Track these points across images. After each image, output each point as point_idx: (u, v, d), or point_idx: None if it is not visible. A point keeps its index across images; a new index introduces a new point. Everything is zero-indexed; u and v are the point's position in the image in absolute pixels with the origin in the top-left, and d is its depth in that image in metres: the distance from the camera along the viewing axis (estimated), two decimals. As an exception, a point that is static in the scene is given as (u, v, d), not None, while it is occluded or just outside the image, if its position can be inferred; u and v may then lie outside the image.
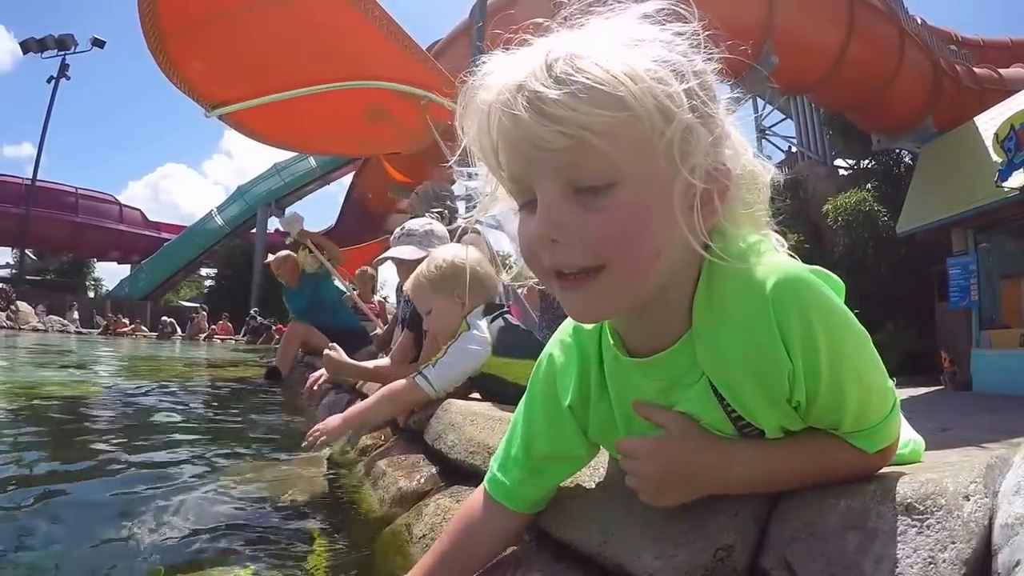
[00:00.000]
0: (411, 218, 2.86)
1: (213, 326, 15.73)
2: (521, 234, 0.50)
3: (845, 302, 0.53)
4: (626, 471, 0.57)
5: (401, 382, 1.42)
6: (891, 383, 0.54)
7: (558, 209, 0.46)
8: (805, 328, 0.48)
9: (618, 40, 0.45)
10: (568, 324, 0.65)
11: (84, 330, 14.77)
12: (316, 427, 1.44)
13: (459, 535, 0.68)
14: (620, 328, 0.59)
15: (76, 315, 15.94)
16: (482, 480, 0.71)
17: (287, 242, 4.28)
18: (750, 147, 0.52)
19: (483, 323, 1.42)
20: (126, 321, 15.87)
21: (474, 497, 0.70)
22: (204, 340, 14.14)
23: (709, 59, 0.48)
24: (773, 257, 0.51)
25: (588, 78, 0.43)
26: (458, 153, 0.54)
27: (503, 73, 0.46)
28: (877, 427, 0.52)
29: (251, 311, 14.72)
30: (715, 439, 0.55)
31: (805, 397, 0.50)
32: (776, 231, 0.57)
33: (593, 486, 0.69)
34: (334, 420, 1.45)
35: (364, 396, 2.24)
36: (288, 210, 4.33)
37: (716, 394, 0.53)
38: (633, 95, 0.43)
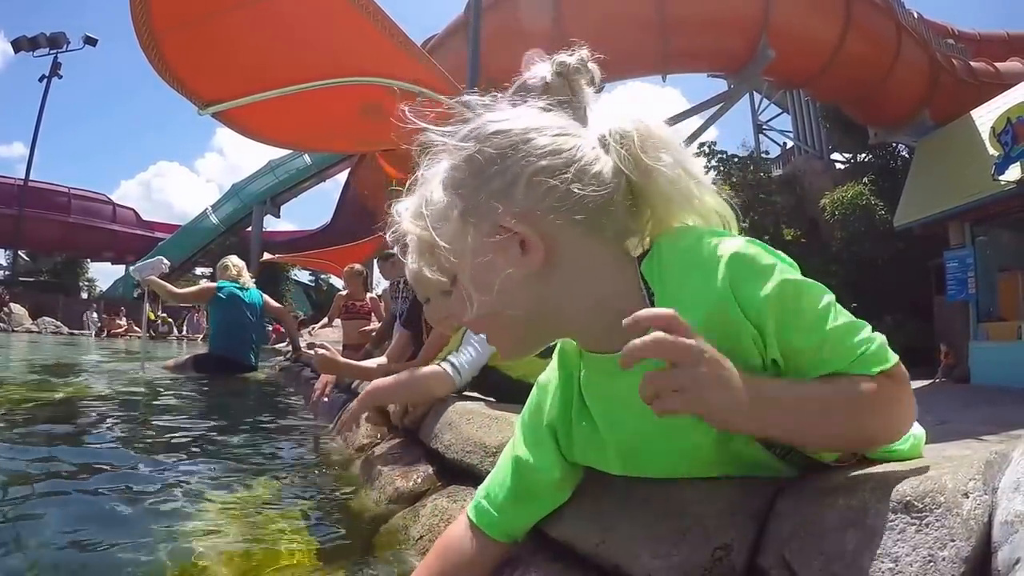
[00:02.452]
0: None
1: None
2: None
3: (844, 299, 0.52)
4: (651, 388, 0.44)
5: (426, 368, 1.36)
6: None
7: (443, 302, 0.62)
8: (754, 290, 0.49)
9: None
10: (555, 351, 0.67)
11: (77, 332, 14.69)
12: (338, 422, 1.44)
13: (440, 564, 0.67)
14: (588, 347, 0.60)
15: (95, 316, 15.91)
16: (476, 485, 0.71)
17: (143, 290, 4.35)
18: (650, 145, 0.53)
19: None
20: (120, 322, 15.80)
21: (456, 526, 0.70)
22: (202, 340, 14.11)
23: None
24: (715, 237, 0.53)
25: (408, 236, 0.59)
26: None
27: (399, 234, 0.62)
28: (865, 353, 0.50)
29: None
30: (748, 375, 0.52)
31: (781, 354, 0.51)
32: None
33: (590, 486, 0.69)
34: (351, 406, 1.43)
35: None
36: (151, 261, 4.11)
37: None
38: (423, 234, 0.57)
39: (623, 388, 0.56)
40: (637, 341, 0.43)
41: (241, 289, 4.13)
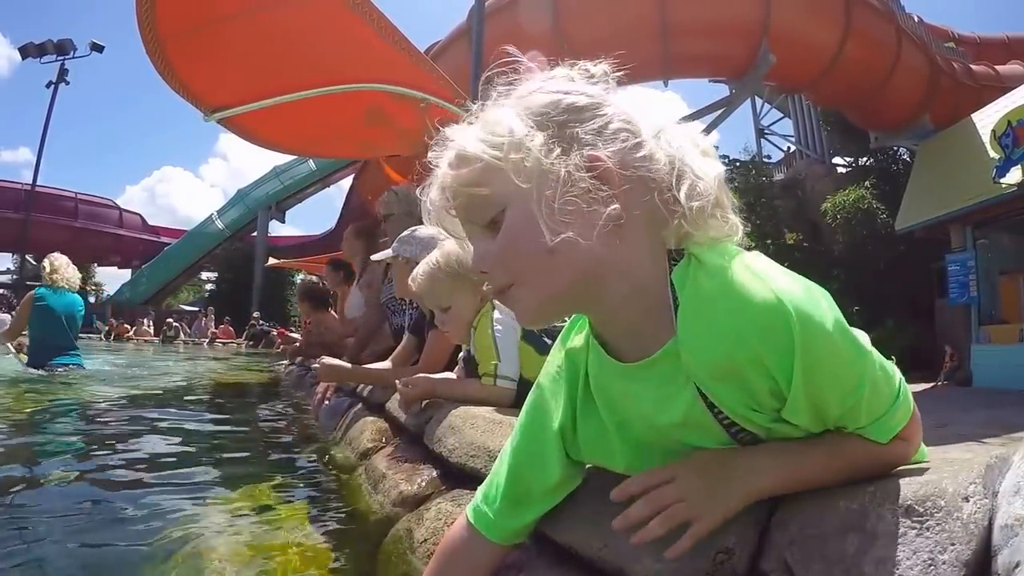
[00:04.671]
0: (387, 216, 2.81)
1: (215, 330, 15.73)
2: None
3: (846, 303, 0.53)
4: (653, 509, 0.54)
5: (494, 392, 1.33)
6: (890, 366, 0.54)
7: (476, 245, 0.56)
8: (784, 358, 0.48)
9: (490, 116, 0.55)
10: (556, 348, 0.66)
11: (84, 335, 14.67)
12: (401, 393, 1.43)
13: (441, 567, 0.67)
14: (606, 336, 0.60)
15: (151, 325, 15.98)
16: (478, 488, 0.70)
17: None
18: (692, 151, 0.55)
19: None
20: (128, 326, 15.84)
21: (456, 527, 0.70)
22: (207, 344, 14.14)
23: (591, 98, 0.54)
24: (764, 268, 0.51)
25: (459, 153, 0.55)
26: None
27: (440, 160, 0.58)
28: (883, 418, 0.53)
29: (253, 315, 14.75)
30: (729, 448, 0.56)
31: (789, 410, 0.51)
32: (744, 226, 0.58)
33: (593, 489, 0.69)
34: (419, 384, 1.41)
35: (364, 399, 2.24)
36: None
37: (706, 402, 0.53)
38: (485, 153, 0.53)
39: (636, 392, 0.57)
40: (632, 513, 0.54)
41: (54, 293, 3.57)
